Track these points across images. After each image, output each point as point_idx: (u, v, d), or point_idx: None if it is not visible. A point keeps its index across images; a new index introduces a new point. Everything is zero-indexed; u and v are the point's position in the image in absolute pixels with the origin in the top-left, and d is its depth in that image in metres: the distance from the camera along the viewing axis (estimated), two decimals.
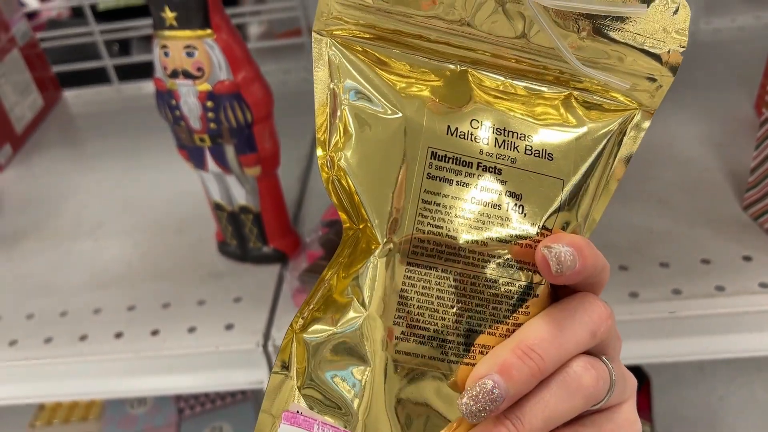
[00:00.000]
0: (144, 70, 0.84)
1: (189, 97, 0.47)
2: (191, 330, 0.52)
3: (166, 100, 0.49)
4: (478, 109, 0.25)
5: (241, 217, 0.55)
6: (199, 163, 0.52)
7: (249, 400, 0.80)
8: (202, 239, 0.61)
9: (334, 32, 0.26)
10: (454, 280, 0.24)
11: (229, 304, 0.54)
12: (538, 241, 0.24)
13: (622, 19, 0.25)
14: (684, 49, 0.25)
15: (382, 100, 0.25)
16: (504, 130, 0.25)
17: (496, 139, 0.25)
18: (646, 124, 0.26)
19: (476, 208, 0.24)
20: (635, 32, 0.25)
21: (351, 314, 0.24)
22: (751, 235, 0.52)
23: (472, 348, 0.24)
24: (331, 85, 0.25)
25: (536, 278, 0.25)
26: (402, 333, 0.24)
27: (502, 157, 0.25)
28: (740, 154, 0.61)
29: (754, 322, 0.47)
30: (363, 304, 0.24)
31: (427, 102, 0.25)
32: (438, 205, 0.24)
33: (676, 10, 0.25)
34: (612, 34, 0.25)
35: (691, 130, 0.66)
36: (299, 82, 0.86)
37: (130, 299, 0.56)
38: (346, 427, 0.24)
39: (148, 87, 0.90)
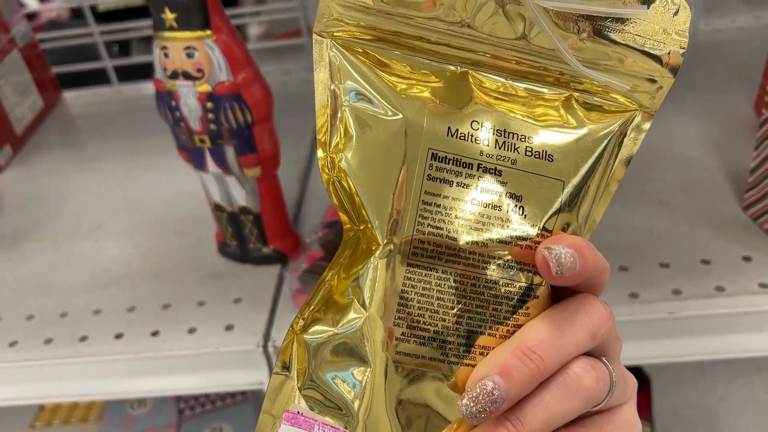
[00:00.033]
0: (144, 71, 0.84)
1: (189, 98, 0.47)
2: (191, 331, 0.52)
3: (166, 101, 0.49)
4: (479, 110, 0.25)
5: (241, 217, 0.55)
6: (199, 164, 0.52)
7: (249, 400, 0.80)
8: (202, 240, 0.61)
9: (335, 34, 0.26)
10: (455, 281, 0.24)
11: (229, 305, 0.54)
12: (539, 243, 0.24)
13: (622, 21, 0.25)
14: (684, 50, 0.25)
15: (383, 102, 0.25)
16: (504, 131, 0.25)
17: (496, 140, 0.25)
18: (647, 126, 0.26)
19: (476, 210, 0.24)
20: (635, 33, 0.25)
21: (351, 315, 0.24)
22: (751, 236, 0.52)
23: (473, 349, 0.24)
24: (332, 87, 0.25)
25: (536, 279, 0.25)
26: (402, 334, 0.24)
27: (502, 158, 0.25)
28: (740, 155, 0.61)
29: (754, 323, 0.47)
30: (363, 305, 0.24)
31: (428, 103, 0.25)
32: (438, 206, 0.24)
33: (677, 12, 0.25)
34: (612, 36, 0.25)
35: (691, 131, 0.66)
36: (299, 83, 0.86)
37: (130, 300, 0.56)
38: (346, 428, 0.24)
39: (148, 88, 0.90)
